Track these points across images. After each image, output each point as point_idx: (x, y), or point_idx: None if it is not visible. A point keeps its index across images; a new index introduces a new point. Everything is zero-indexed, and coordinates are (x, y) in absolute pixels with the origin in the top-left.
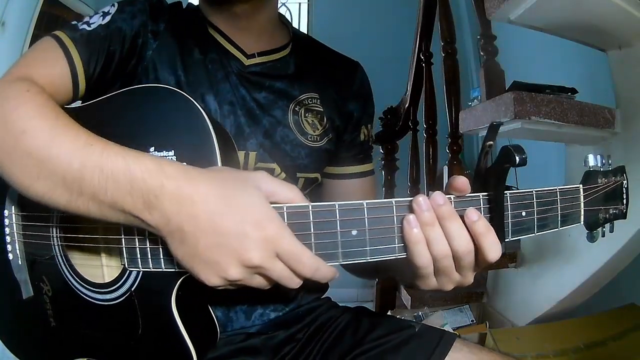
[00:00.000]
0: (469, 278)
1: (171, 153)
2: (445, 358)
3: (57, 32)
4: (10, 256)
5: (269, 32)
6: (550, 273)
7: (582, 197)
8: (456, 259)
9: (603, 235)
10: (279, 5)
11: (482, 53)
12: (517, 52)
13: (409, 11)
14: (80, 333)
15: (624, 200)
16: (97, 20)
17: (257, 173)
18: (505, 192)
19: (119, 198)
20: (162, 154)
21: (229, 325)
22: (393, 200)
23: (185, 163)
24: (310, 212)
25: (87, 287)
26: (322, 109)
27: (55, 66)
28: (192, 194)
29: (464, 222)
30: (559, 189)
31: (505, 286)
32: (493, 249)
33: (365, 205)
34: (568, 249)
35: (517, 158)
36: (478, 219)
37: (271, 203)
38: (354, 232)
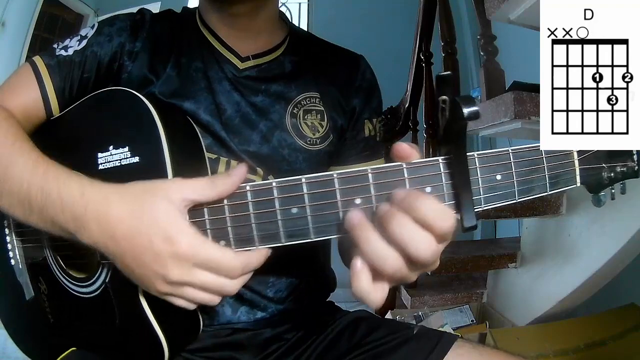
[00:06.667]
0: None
1: (126, 149)
2: (446, 356)
3: (35, 59)
4: (13, 262)
5: (267, 32)
6: (550, 273)
7: (575, 154)
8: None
9: (613, 198)
10: (279, 5)
11: (482, 53)
12: (517, 52)
13: (409, 11)
14: (73, 326)
15: (634, 157)
16: (74, 45)
17: (167, 182)
18: (474, 153)
19: (56, 217)
20: (119, 150)
21: (215, 319)
22: (334, 172)
23: (138, 157)
24: (248, 192)
25: (72, 282)
26: (322, 109)
27: (28, 94)
28: (108, 215)
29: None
30: None
31: (505, 286)
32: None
33: (303, 181)
34: (568, 249)
35: (466, 111)
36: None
37: (194, 208)
38: (294, 210)
